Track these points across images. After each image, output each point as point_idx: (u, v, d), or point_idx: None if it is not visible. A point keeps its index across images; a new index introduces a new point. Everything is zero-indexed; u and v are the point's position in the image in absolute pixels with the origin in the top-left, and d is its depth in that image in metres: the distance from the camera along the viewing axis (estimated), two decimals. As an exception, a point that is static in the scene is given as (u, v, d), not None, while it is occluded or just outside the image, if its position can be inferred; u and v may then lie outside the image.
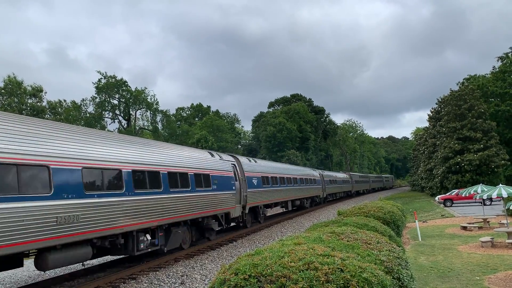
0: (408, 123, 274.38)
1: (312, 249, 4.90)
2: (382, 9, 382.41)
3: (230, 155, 21.65)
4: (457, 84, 54.57)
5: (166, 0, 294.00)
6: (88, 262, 13.57)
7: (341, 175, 56.31)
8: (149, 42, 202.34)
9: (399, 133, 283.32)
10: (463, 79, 55.96)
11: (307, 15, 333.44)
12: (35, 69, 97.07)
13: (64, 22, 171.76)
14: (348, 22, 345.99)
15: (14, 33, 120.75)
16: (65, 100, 57.82)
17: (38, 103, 49.46)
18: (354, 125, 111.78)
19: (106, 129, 57.27)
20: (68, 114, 55.47)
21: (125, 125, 64.96)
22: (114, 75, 62.16)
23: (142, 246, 12.31)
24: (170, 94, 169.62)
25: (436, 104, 54.46)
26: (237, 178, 19.94)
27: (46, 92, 50.48)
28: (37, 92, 49.07)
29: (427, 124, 61.43)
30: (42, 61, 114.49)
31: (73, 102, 59.15)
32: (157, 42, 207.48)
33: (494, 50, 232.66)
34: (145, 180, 12.32)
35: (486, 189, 17.52)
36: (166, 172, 13.44)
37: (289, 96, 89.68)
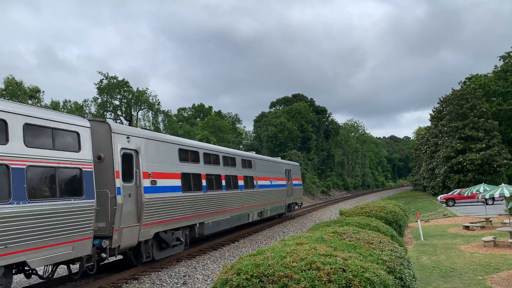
0: (408, 123, 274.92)
1: (314, 249, 4.90)
2: (375, 9, 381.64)
3: None
4: (459, 84, 54.45)
5: (154, 0, 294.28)
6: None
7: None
8: (140, 43, 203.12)
9: (398, 133, 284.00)
10: (465, 79, 55.83)
11: (299, 15, 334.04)
12: (26, 70, 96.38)
13: (52, 23, 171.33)
14: (341, 22, 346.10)
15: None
16: (69, 100, 58.12)
17: (38, 104, 49.62)
18: (355, 124, 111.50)
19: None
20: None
21: (127, 126, 65.15)
22: (115, 76, 62.29)
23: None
24: (165, 95, 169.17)
25: (438, 103, 54.38)
26: None
27: (44, 92, 50.83)
28: (34, 93, 49.26)
29: (427, 124, 61.43)
30: (31, 62, 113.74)
31: (76, 103, 59.37)
32: (148, 43, 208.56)
33: (490, 49, 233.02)
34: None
35: (488, 189, 17.46)
36: None
37: (291, 96, 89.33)
